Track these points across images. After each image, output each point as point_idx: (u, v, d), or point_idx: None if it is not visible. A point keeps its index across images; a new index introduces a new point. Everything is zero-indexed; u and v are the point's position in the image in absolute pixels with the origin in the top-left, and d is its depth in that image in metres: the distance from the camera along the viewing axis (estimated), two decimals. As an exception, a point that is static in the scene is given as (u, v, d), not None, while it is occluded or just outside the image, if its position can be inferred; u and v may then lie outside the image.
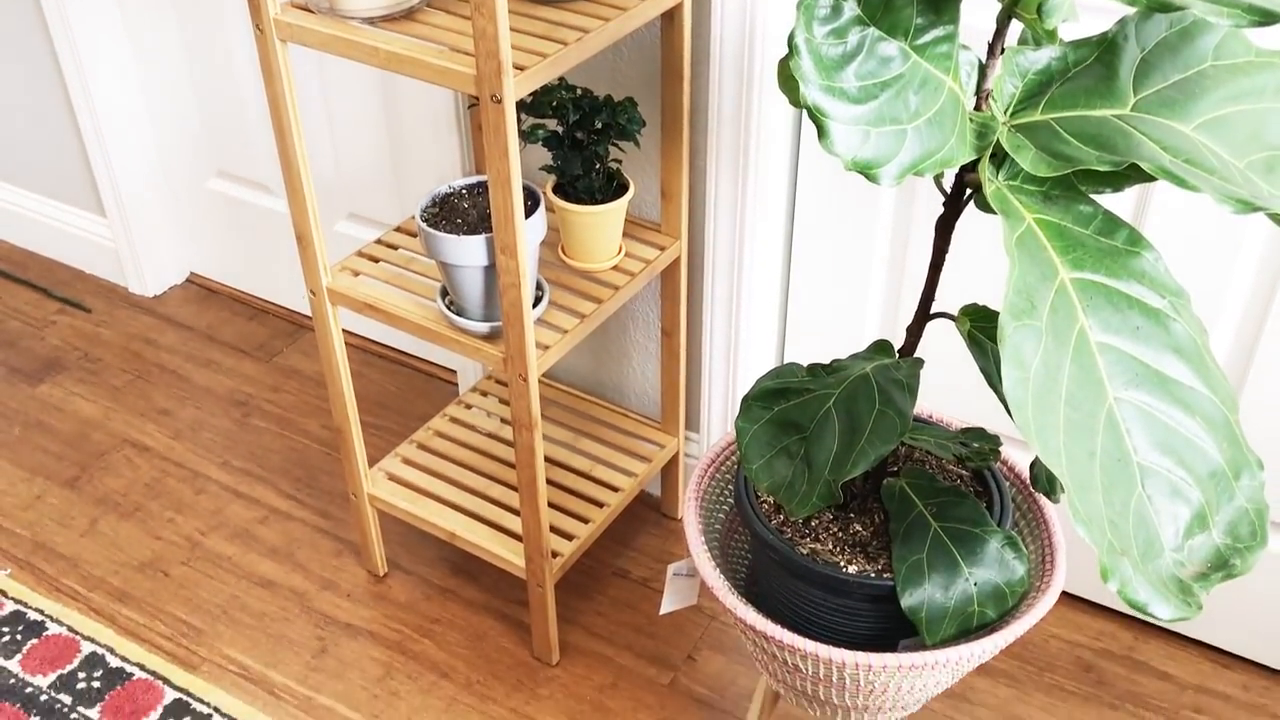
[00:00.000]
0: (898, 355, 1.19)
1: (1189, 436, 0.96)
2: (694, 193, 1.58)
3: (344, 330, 2.27)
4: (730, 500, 1.39)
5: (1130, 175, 1.06)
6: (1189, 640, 1.65)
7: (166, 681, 1.62)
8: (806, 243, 1.62)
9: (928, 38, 0.92)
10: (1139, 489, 0.93)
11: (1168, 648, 1.65)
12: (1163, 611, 0.89)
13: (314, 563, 1.81)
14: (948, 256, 1.50)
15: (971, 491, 1.27)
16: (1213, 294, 1.39)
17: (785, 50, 1.31)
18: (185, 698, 1.60)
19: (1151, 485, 0.94)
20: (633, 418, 1.81)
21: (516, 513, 1.62)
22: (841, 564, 1.20)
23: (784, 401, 1.17)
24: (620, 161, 1.51)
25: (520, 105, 1.40)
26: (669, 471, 1.83)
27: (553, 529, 1.61)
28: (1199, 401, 0.97)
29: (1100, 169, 0.95)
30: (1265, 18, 0.83)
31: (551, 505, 1.65)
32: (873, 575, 1.18)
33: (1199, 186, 0.92)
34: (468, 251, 1.30)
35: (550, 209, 1.50)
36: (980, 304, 1.14)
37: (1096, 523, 0.89)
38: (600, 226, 1.47)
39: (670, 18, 1.40)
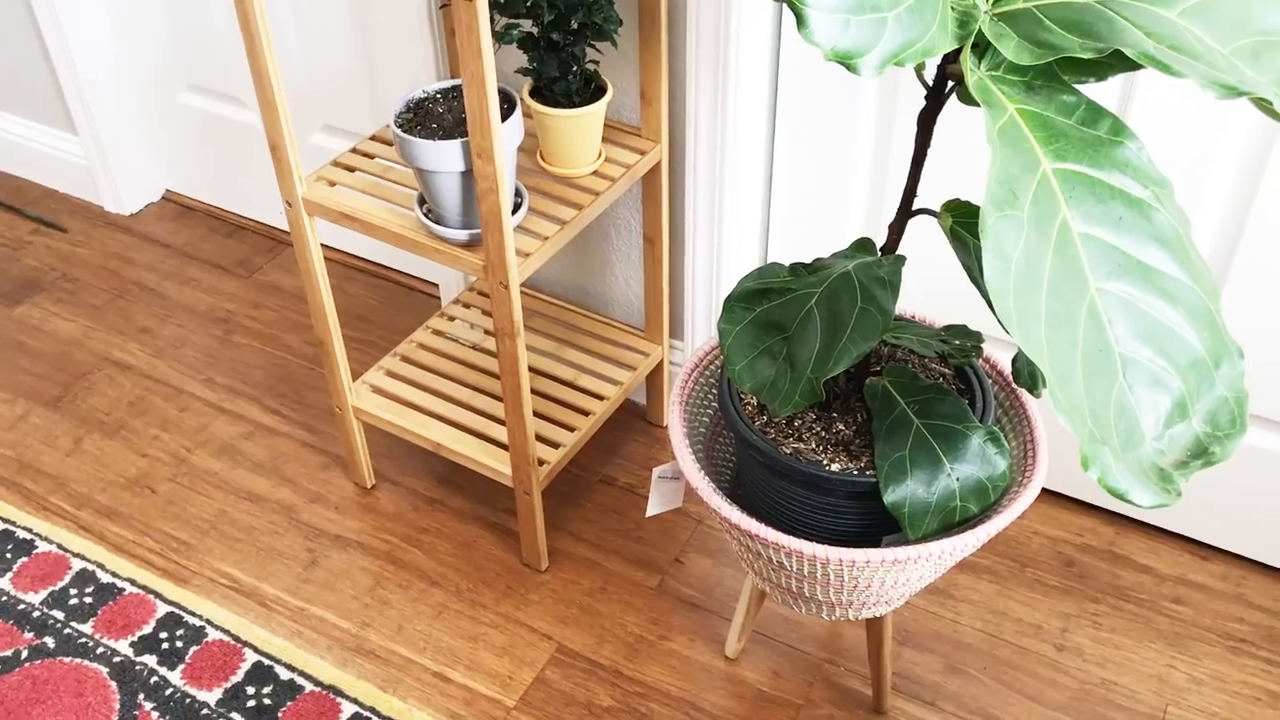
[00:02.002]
0: (880, 253, 1.18)
1: (1170, 326, 0.96)
2: (674, 95, 1.56)
3: (324, 245, 2.25)
4: (715, 404, 1.39)
5: (1114, 63, 1.04)
6: (1169, 533, 1.68)
7: (158, 596, 1.63)
8: (788, 142, 1.60)
9: (908, -79, 0.90)
10: (1120, 379, 0.94)
11: (1148, 541, 1.67)
12: (1143, 499, 0.90)
13: (301, 476, 1.81)
14: (930, 153, 1.49)
15: (954, 389, 1.28)
16: (1197, 184, 1.39)
17: (764, -57, 1.28)
18: (178, 611, 1.61)
19: (1133, 375, 0.94)
20: (617, 326, 1.81)
21: (502, 422, 1.63)
22: (825, 462, 1.20)
23: (766, 302, 1.16)
24: (597, 63, 1.48)
25: (493, 4, 1.37)
26: (654, 379, 1.83)
27: (539, 438, 1.61)
28: (1181, 291, 0.97)
29: (1084, 56, 0.93)
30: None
31: (537, 414, 1.65)
32: (855, 472, 1.19)
33: (1184, 72, 0.91)
34: (443, 156, 1.28)
35: (527, 114, 1.48)
36: (963, 199, 1.13)
37: (1078, 412, 0.89)
38: (579, 130, 1.44)
39: (645, -88, 1.36)
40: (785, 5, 0.87)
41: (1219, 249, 1.43)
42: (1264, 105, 0.91)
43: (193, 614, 1.61)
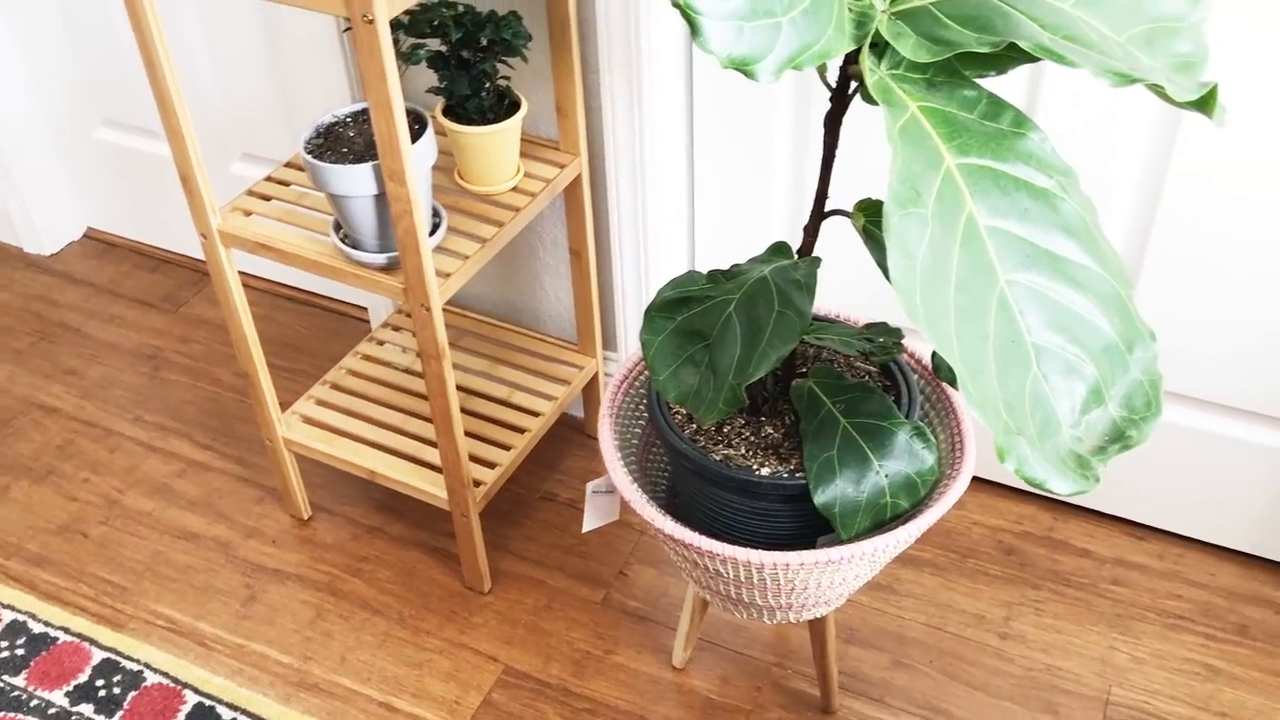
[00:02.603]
0: (796, 255, 1.19)
1: (1081, 314, 0.97)
2: (590, 107, 1.55)
3: (252, 275, 2.22)
4: (646, 414, 1.39)
5: (1013, 56, 1.05)
6: (1105, 516, 1.70)
7: (93, 642, 1.60)
8: (708, 149, 1.60)
9: (796, -75, 0.90)
10: (1034, 368, 0.94)
11: (1086, 525, 1.69)
12: (1061, 486, 0.91)
13: (236, 511, 1.78)
14: (846, 153, 1.50)
15: (879, 386, 1.28)
16: (1108, 169, 1.40)
17: (666, -48, 1.28)
18: (114, 656, 1.58)
19: (1046, 364, 0.95)
20: (549, 341, 1.80)
21: (436, 445, 1.61)
22: (755, 467, 1.20)
23: (686, 310, 1.16)
24: (509, 79, 1.47)
25: (399, 25, 1.36)
26: (590, 392, 1.82)
27: (474, 458, 1.60)
28: (1090, 278, 0.98)
29: (980, 50, 0.94)
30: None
31: (471, 434, 1.64)
32: (785, 476, 1.19)
33: (1077, 62, 0.92)
34: (354, 181, 1.27)
35: (441, 132, 1.47)
36: (875, 199, 1.13)
37: (991, 405, 0.89)
38: (494, 147, 1.43)
39: (548, -74, 1.36)
40: (681, 15, 0.87)
41: (1133, 233, 1.44)
42: (1158, 90, 0.92)
43: (130, 659, 1.57)
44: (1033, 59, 1.04)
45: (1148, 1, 1.03)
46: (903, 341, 1.27)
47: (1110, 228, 1.45)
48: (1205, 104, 0.91)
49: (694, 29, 0.88)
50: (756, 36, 0.90)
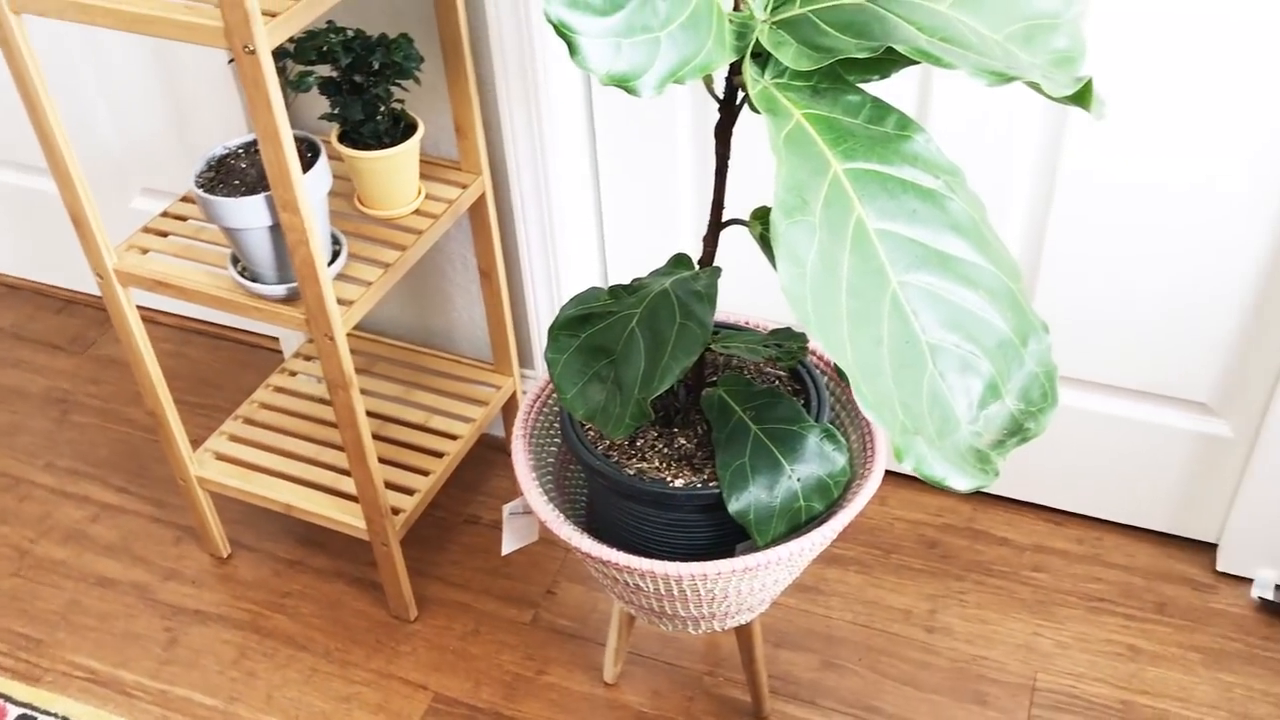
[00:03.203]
0: (698, 266, 1.19)
1: (974, 311, 0.98)
2: (489, 125, 1.54)
3: (160, 310, 2.18)
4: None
5: (895, 59, 1.06)
6: (1024, 504, 1.72)
7: (8, 699, 1.55)
8: (612, 162, 1.60)
9: (669, -60, 0.90)
10: (930, 367, 0.95)
11: (1005, 514, 1.71)
12: (960, 483, 0.92)
13: (154, 554, 1.74)
14: (748, 160, 1.50)
15: (789, 390, 1.29)
16: (1004, 162, 1.42)
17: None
18: (30, 713, 1.53)
19: (942, 362, 0.96)
20: (465, 362, 1.79)
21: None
22: (669, 479, 1.20)
23: (590, 327, 1.16)
24: (403, 102, 1.46)
25: (286, 53, 1.34)
26: (509, 411, 1.81)
27: (392, 485, 1.58)
28: (981, 275, 0.99)
29: (860, 56, 0.95)
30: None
31: (388, 462, 1.62)
32: (699, 486, 1.19)
33: (955, 63, 0.93)
34: (246, 213, 1.25)
35: (338, 158, 1.45)
36: (771, 206, 1.13)
37: (888, 406, 0.90)
38: (393, 171, 1.42)
39: (434, -53, 1.35)
40: (557, 33, 0.87)
41: (1031, 222, 1.47)
42: (1036, 87, 0.94)
43: (47, 713, 1.53)
44: (914, 61, 1.05)
45: (1024, 0, 1.05)
46: (809, 345, 1.28)
47: (1008, 218, 1.47)
48: (1082, 98, 0.92)
49: (571, 48, 0.87)
50: (635, 52, 0.89)
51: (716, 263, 1.19)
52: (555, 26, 0.86)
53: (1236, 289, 1.41)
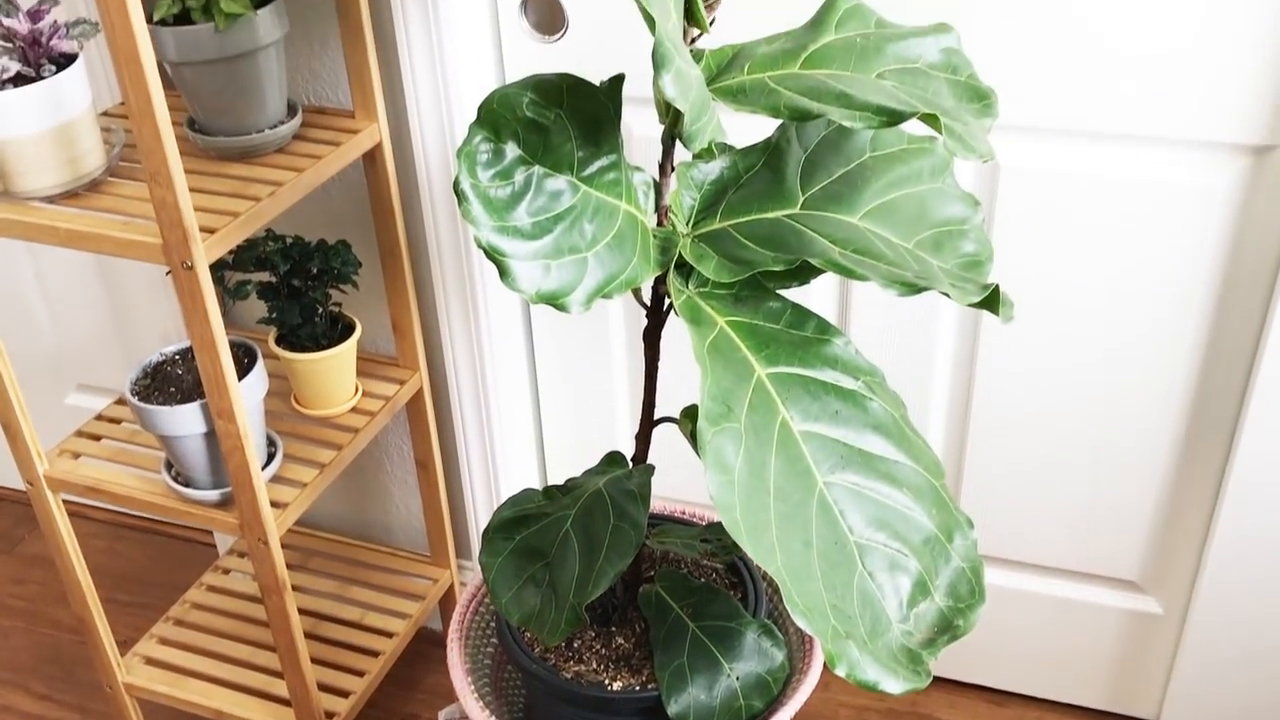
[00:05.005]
0: (632, 462, 1.21)
1: (900, 509, 1.00)
2: (426, 323, 1.57)
3: (89, 505, 2.14)
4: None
5: (814, 268, 1.11)
6: (966, 685, 1.72)
7: None
8: (549, 360, 1.63)
9: (593, 168, 0.95)
10: (860, 567, 0.97)
11: (948, 695, 1.70)
12: (893, 686, 0.92)
13: (75, 766, 1.67)
14: (680, 356, 1.54)
15: (726, 584, 1.29)
16: (925, 359, 1.47)
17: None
18: None
19: (871, 562, 0.97)
20: (402, 555, 1.77)
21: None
22: (607, 682, 1.19)
23: (524, 529, 1.16)
24: (340, 305, 1.49)
25: (224, 264, 1.37)
26: (447, 604, 1.79)
27: (327, 688, 1.54)
28: (904, 473, 1.02)
29: (777, 269, 0.99)
30: (892, 117, 0.90)
31: (323, 663, 1.58)
32: (638, 689, 1.18)
33: (867, 275, 0.97)
34: (182, 421, 1.25)
35: (274, 355, 1.47)
36: (700, 404, 1.16)
37: (818, 611, 0.91)
38: (330, 372, 1.44)
39: (371, 158, 1.40)
40: (488, 257, 0.90)
41: (954, 410, 1.51)
42: (946, 294, 0.98)
43: None
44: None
45: (932, 209, 1.11)
46: (743, 539, 1.29)
47: (930, 412, 1.51)
48: (990, 304, 0.97)
49: (502, 271, 0.91)
50: (563, 272, 0.93)
51: (656, 447, 1.21)
52: (486, 251, 0.90)
53: (1153, 466, 1.45)
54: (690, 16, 0.94)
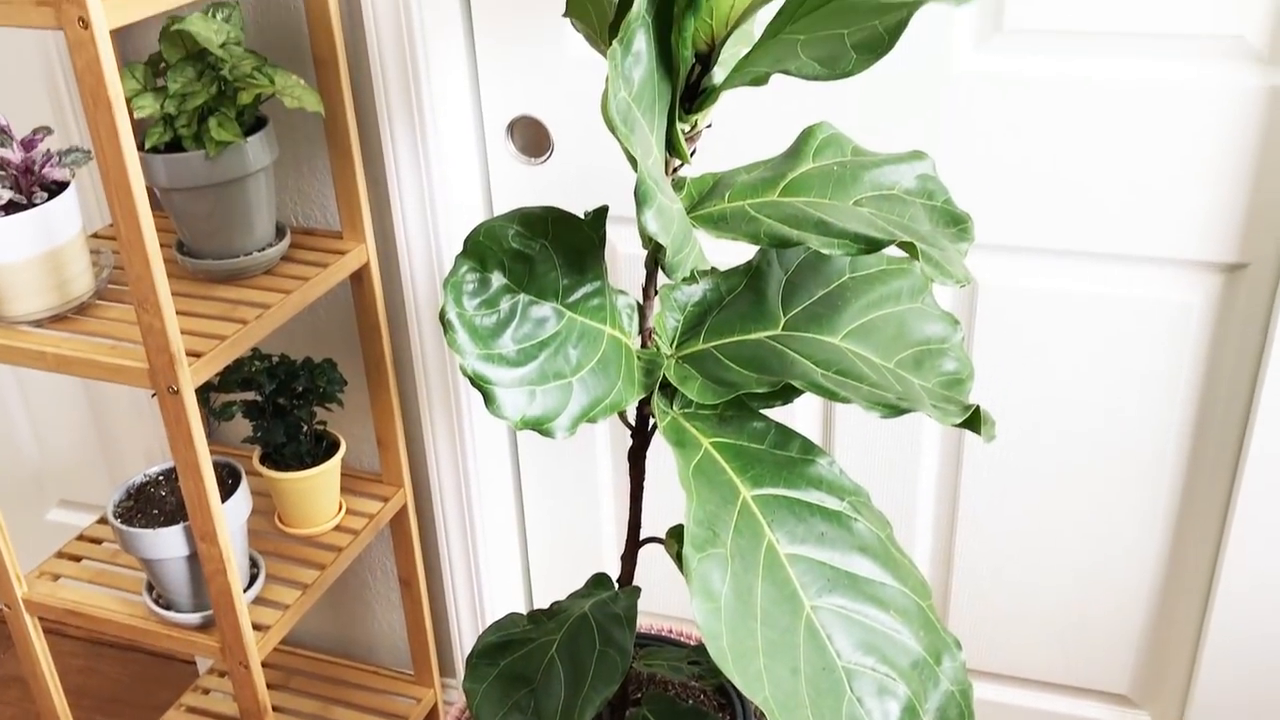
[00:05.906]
0: (617, 584, 1.20)
1: (888, 632, 1.00)
2: (411, 440, 1.57)
3: (67, 624, 2.11)
4: (482, 755, 1.34)
5: (796, 389, 1.12)
6: (960, 803, 1.68)
7: None
8: (534, 478, 1.63)
9: (578, 295, 0.97)
10: (848, 693, 0.96)
11: (942, 815, 1.67)
12: (885, 818, 0.91)
13: None
14: (667, 472, 1.55)
15: (715, 705, 1.28)
16: (910, 476, 1.48)
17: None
18: None
19: (860, 686, 0.96)
20: (385, 674, 1.74)
21: (265, 804, 1.51)
22: (593, 810, 1.16)
23: (509, 655, 1.15)
24: (325, 423, 1.49)
25: (210, 386, 1.38)
26: (431, 723, 1.76)
27: (307, 814, 1.51)
28: (891, 595, 1.02)
29: (760, 391, 1.00)
30: (870, 245, 0.92)
31: (303, 788, 1.55)
32: (625, 817, 1.15)
33: (849, 397, 0.98)
34: (165, 545, 1.24)
35: (257, 474, 1.46)
36: (686, 524, 1.16)
37: (807, 741, 0.90)
38: (314, 491, 1.43)
39: (358, 278, 1.42)
40: (473, 385, 0.91)
41: (939, 532, 1.51)
42: (929, 414, 0.99)
43: None
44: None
45: (912, 328, 1.13)
46: (731, 659, 1.27)
47: (917, 530, 1.51)
48: (973, 424, 0.98)
49: (487, 398, 0.91)
50: (548, 398, 0.94)
51: (643, 563, 1.20)
52: (471, 379, 0.90)
53: (1140, 577, 1.45)
54: (672, 148, 0.96)
